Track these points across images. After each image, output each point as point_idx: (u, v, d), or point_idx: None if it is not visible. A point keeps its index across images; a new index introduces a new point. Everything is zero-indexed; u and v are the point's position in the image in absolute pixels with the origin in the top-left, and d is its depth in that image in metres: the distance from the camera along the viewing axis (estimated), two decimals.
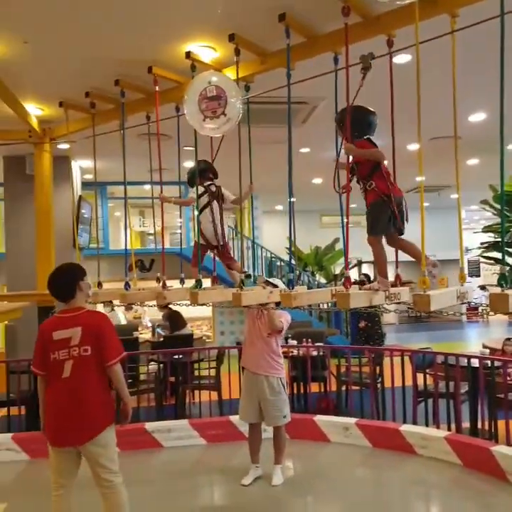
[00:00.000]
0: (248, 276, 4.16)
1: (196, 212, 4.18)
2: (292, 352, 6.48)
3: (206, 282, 4.38)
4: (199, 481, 4.81)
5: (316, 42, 3.95)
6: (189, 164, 5.17)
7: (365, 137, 3.27)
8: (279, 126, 6.56)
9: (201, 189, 4.16)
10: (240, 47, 3.88)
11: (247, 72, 4.24)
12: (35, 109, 5.57)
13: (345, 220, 3.13)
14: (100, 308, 10.42)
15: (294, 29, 3.71)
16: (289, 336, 7.25)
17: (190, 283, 4.26)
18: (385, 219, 3.12)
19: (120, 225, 14.15)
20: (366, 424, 5.42)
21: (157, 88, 4.39)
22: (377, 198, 3.13)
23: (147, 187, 7.79)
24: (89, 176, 9.30)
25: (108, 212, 10.95)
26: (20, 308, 2.75)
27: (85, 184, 9.26)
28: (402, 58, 4.48)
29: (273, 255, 11.21)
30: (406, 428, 5.18)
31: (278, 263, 11.21)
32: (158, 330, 8.25)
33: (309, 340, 6.74)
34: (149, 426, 5.59)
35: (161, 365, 6.50)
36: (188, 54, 4.13)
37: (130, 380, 6.40)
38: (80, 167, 8.71)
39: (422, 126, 2.80)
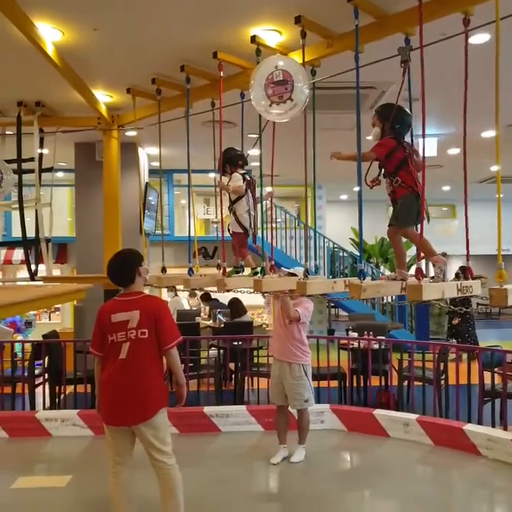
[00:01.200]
0: (256, 273, 4.14)
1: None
2: (352, 344, 6.35)
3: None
4: (254, 466, 4.83)
5: (386, 22, 3.78)
6: (253, 152, 5.15)
7: (393, 136, 3.33)
8: (346, 112, 6.40)
9: (240, 177, 4.14)
10: (306, 29, 3.77)
11: (313, 55, 4.13)
12: (103, 96, 5.72)
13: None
14: (164, 293, 10.69)
15: (363, 9, 3.56)
16: (350, 327, 7.12)
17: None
18: (415, 212, 3.19)
19: (185, 212, 14.48)
20: (428, 421, 5.24)
21: (222, 73, 4.37)
22: (407, 192, 3.20)
23: (212, 175, 7.84)
24: (156, 164, 9.50)
25: (174, 199, 11.14)
26: (85, 290, 2.84)
27: (152, 171, 9.46)
28: (479, 38, 4.23)
29: (336, 246, 11.02)
30: (470, 428, 4.96)
31: (341, 254, 11.01)
32: (219, 316, 8.34)
33: (371, 333, 6.57)
34: (208, 410, 5.67)
35: (221, 350, 6.57)
36: (253, 38, 4.07)
37: (191, 364, 6.53)
38: (148, 154, 8.89)
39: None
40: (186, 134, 4.76)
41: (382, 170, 3.34)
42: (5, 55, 4.69)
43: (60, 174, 11.01)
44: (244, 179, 4.15)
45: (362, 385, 6.54)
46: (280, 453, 4.80)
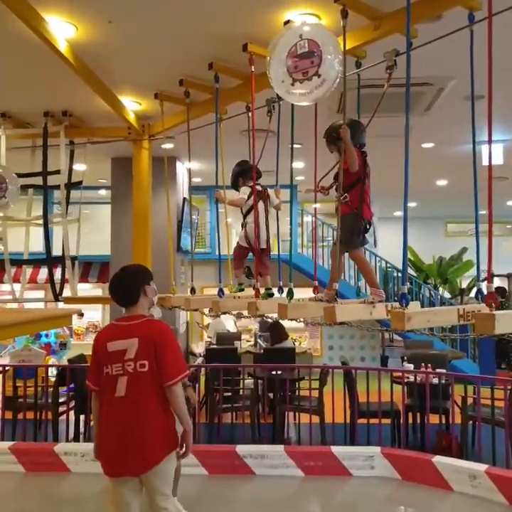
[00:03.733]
0: (271, 294, 3.84)
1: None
2: (408, 377, 5.58)
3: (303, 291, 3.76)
4: None
5: None
6: (297, 165, 4.63)
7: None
8: (395, 115, 5.72)
9: (248, 190, 3.97)
10: (347, 8, 3.19)
11: (357, 41, 3.54)
12: (132, 104, 5.32)
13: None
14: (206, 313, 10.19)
15: None
16: (404, 358, 6.32)
17: (300, 292, 3.60)
18: (357, 234, 3.10)
19: (232, 230, 14.06)
20: (500, 475, 4.38)
21: (253, 68, 3.84)
22: (349, 211, 3.07)
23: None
24: (198, 179, 9.11)
25: (215, 216, 10.68)
26: (69, 316, 2.38)
27: (194, 188, 9.05)
28: None
29: (389, 265, 10.21)
30: None
31: (395, 274, 10.18)
32: (260, 341, 7.73)
33: (429, 364, 5.76)
34: (242, 449, 5.03)
35: (259, 380, 5.94)
36: (287, 24, 3.53)
37: (229, 394, 5.95)
38: (188, 169, 8.49)
39: None
40: (220, 142, 4.32)
41: (335, 182, 3.17)
42: (27, 61, 4.40)
43: (102, 192, 10.88)
44: (254, 191, 3.92)
45: (418, 421, 5.74)
46: None
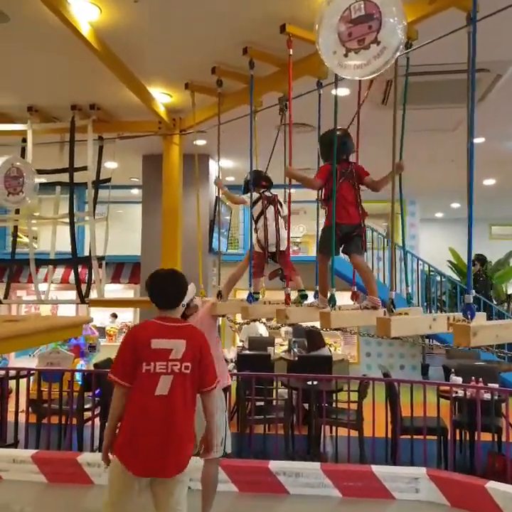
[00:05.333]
0: (304, 296, 3.71)
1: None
2: (456, 392, 5.12)
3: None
4: None
5: None
6: None
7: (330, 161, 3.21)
8: (446, 106, 5.29)
9: (256, 195, 4.00)
10: None
11: (409, 17, 3.14)
12: (162, 96, 5.04)
13: None
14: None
15: None
16: (452, 370, 5.84)
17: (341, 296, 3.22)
18: (327, 245, 3.15)
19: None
20: None
21: (291, 52, 3.50)
22: (327, 224, 3.19)
23: (292, 190, 6.96)
24: (231, 178, 8.81)
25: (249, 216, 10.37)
26: (80, 324, 2.11)
27: (226, 187, 8.73)
28: None
29: (432, 269, 9.66)
30: None
31: (437, 278, 9.63)
32: (294, 348, 7.35)
33: (480, 378, 5.27)
34: (274, 466, 4.68)
35: (293, 390, 5.57)
36: None
37: (261, 403, 5.61)
38: (221, 167, 8.19)
39: None
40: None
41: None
42: (53, 52, 4.19)
43: (135, 191, 10.70)
44: (262, 196, 4.01)
45: (467, 438, 5.27)
46: None
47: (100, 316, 14.37)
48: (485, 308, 8.36)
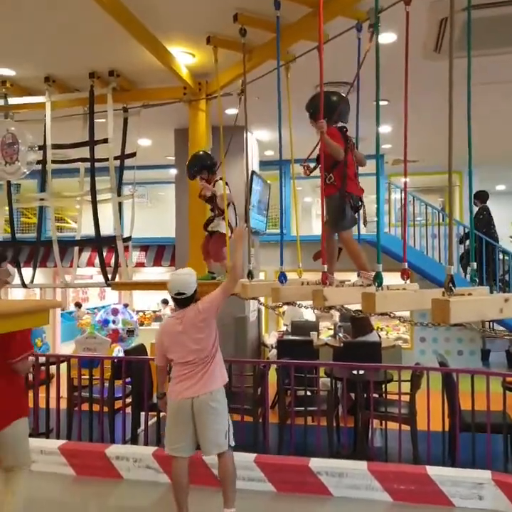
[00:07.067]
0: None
1: None
2: None
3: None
4: None
5: None
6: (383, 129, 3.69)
7: (337, 125, 3.16)
8: None
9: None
10: None
11: None
12: (184, 56, 4.55)
13: None
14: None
15: None
16: None
17: (389, 277, 2.70)
18: (343, 216, 3.06)
19: (312, 211, 13.05)
20: None
21: None
22: (334, 192, 3.07)
23: None
24: (269, 153, 8.27)
25: (290, 194, 9.81)
26: (46, 311, 1.71)
27: (265, 163, 8.21)
28: None
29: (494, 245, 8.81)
30: None
31: (500, 256, 8.77)
32: (340, 333, 6.81)
33: None
34: (316, 465, 4.22)
35: (338, 381, 5.06)
36: None
37: (308, 393, 5.15)
38: (258, 141, 7.68)
39: None
40: (288, 99, 3.52)
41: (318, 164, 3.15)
42: (67, 14, 3.81)
43: (174, 171, 10.34)
44: None
45: None
46: None
47: (148, 301, 14.33)
48: (487, 249, 8.05)
